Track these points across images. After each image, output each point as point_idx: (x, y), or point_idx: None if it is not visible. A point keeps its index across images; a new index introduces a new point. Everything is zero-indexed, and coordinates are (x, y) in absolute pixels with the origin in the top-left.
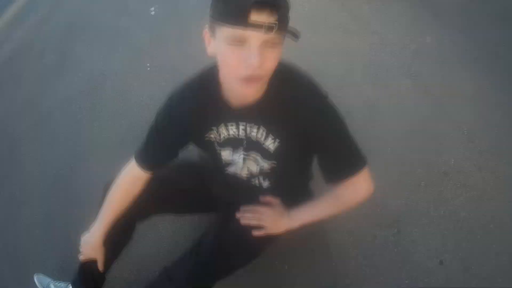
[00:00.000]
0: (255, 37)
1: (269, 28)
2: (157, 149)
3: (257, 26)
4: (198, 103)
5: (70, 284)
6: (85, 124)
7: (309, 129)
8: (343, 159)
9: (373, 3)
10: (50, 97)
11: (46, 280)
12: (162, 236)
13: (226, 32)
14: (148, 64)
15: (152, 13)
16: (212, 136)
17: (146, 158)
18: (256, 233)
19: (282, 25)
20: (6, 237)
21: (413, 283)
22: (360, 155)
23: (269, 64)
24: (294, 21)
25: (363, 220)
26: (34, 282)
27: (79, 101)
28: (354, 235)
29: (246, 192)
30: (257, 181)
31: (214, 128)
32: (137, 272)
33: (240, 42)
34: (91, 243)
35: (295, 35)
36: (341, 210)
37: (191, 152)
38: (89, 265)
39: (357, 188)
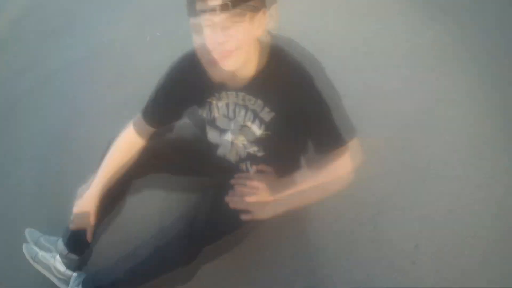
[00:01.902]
0: (206, 21)
1: (213, 11)
2: (163, 105)
3: (203, 11)
4: (206, 68)
5: (60, 239)
6: (89, 86)
7: (300, 101)
8: (332, 130)
9: None
10: (55, 58)
11: (36, 234)
12: (151, 213)
13: (190, 23)
14: (158, 33)
15: None
16: (213, 101)
17: (152, 113)
18: (244, 216)
19: (230, 5)
20: None
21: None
22: (348, 127)
23: (236, 39)
24: (299, 3)
25: (344, 211)
26: (25, 236)
27: (84, 64)
28: (333, 228)
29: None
30: (245, 166)
31: (217, 93)
32: (124, 244)
33: (201, 28)
34: (87, 195)
35: (241, 14)
36: (330, 189)
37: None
38: (80, 222)
39: (345, 159)
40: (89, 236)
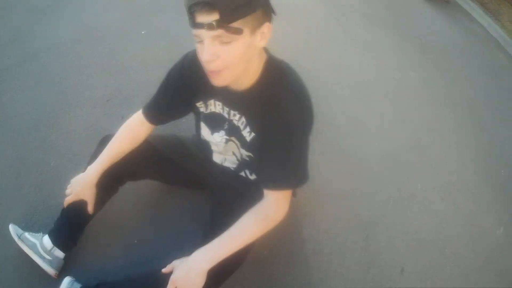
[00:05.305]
0: (203, 35)
1: (209, 26)
2: (164, 103)
3: (200, 25)
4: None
5: (46, 235)
6: (72, 74)
7: (276, 123)
8: (283, 167)
9: (368, 27)
10: (39, 38)
11: (20, 230)
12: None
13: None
14: (143, 32)
15: None
16: (202, 106)
17: (153, 111)
18: None
19: (225, 23)
20: None
21: (377, 284)
22: (302, 173)
23: (225, 58)
24: (294, 29)
25: (338, 222)
26: (9, 231)
27: (68, 49)
28: (328, 234)
29: (234, 182)
30: (244, 174)
31: (206, 99)
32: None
33: (200, 40)
34: (84, 182)
35: (237, 31)
36: (253, 232)
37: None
38: (73, 210)
39: (282, 201)
40: (90, 208)
